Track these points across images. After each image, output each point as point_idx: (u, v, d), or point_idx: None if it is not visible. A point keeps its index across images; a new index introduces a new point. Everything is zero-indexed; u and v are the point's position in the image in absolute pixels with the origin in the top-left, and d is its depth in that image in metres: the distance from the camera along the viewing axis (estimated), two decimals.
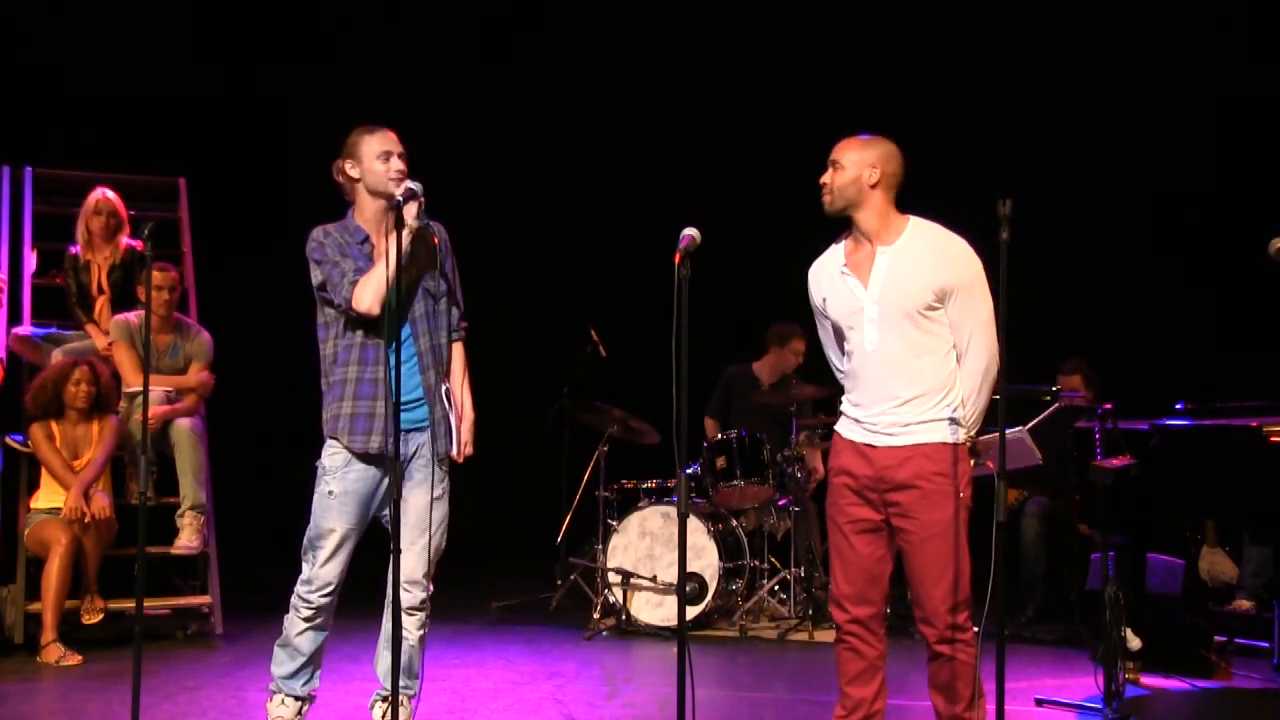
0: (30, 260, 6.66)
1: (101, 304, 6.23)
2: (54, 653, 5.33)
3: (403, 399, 3.82)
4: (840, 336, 3.63)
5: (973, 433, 3.53)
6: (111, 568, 5.78)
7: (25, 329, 6.31)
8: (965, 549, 3.46)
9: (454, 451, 3.98)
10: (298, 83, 8.66)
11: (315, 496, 3.89)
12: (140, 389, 5.18)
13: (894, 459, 3.49)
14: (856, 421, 3.59)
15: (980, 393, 3.51)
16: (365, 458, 3.85)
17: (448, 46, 8.99)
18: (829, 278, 3.64)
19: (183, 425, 5.91)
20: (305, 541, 3.90)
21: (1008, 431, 4.04)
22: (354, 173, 3.89)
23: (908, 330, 3.48)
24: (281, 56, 8.63)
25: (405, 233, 3.71)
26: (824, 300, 3.66)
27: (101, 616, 5.69)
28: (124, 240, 6.32)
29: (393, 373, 3.72)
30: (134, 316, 5.97)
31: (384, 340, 3.78)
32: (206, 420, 6.15)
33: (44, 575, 5.45)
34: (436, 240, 3.93)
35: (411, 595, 3.88)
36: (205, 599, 6.02)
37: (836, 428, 3.68)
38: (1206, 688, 5.01)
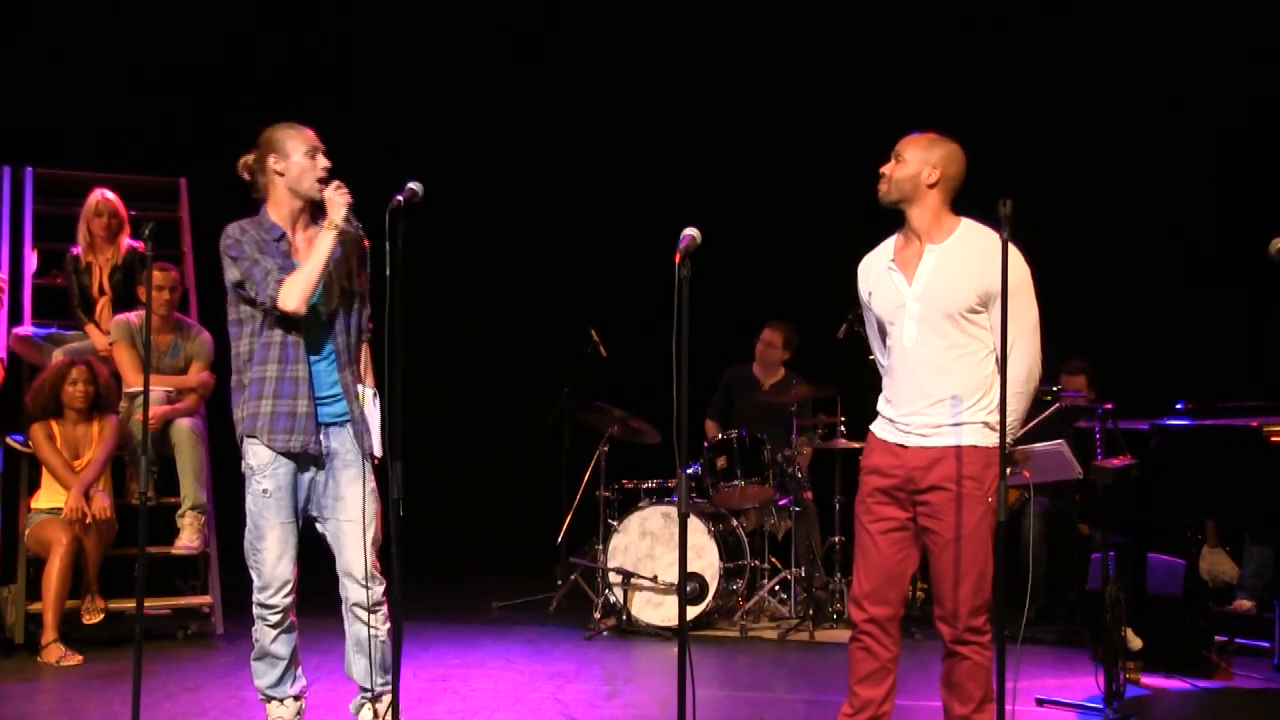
0: (30, 260, 6.65)
1: (103, 305, 6.23)
2: (54, 653, 5.33)
3: (321, 394, 3.87)
4: (883, 333, 3.65)
5: (1010, 439, 3.50)
6: (112, 568, 5.79)
7: (25, 329, 6.31)
8: (991, 552, 3.44)
9: (375, 450, 3.97)
10: (298, 82, 8.66)
11: (249, 498, 3.89)
12: (141, 389, 5.18)
13: (925, 459, 3.49)
14: (890, 421, 3.60)
15: (1018, 400, 3.49)
16: (286, 455, 3.86)
17: (448, 47, 8.99)
18: (876, 272, 3.65)
19: (183, 425, 5.91)
20: (247, 547, 3.90)
21: (1047, 444, 4.07)
22: (278, 167, 3.88)
23: (948, 330, 3.47)
24: (282, 56, 8.62)
25: (333, 233, 3.75)
26: (869, 294, 3.66)
27: (102, 616, 5.70)
28: (125, 241, 6.32)
29: (315, 369, 3.78)
30: (134, 316, 5.96)
31: (307, 338, 3.83)
32: (207, 420, 6.15)
33: (44, 575, 5.45)
34: (367, 244, 3.94)
35: (373, 591, 3.90)
36: (205, 599, 6.02)
37: (871, 427, 3.68)
38: (1207, 688, 5.01)
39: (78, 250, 6.29)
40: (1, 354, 6.07)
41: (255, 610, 3.92)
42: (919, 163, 3.52)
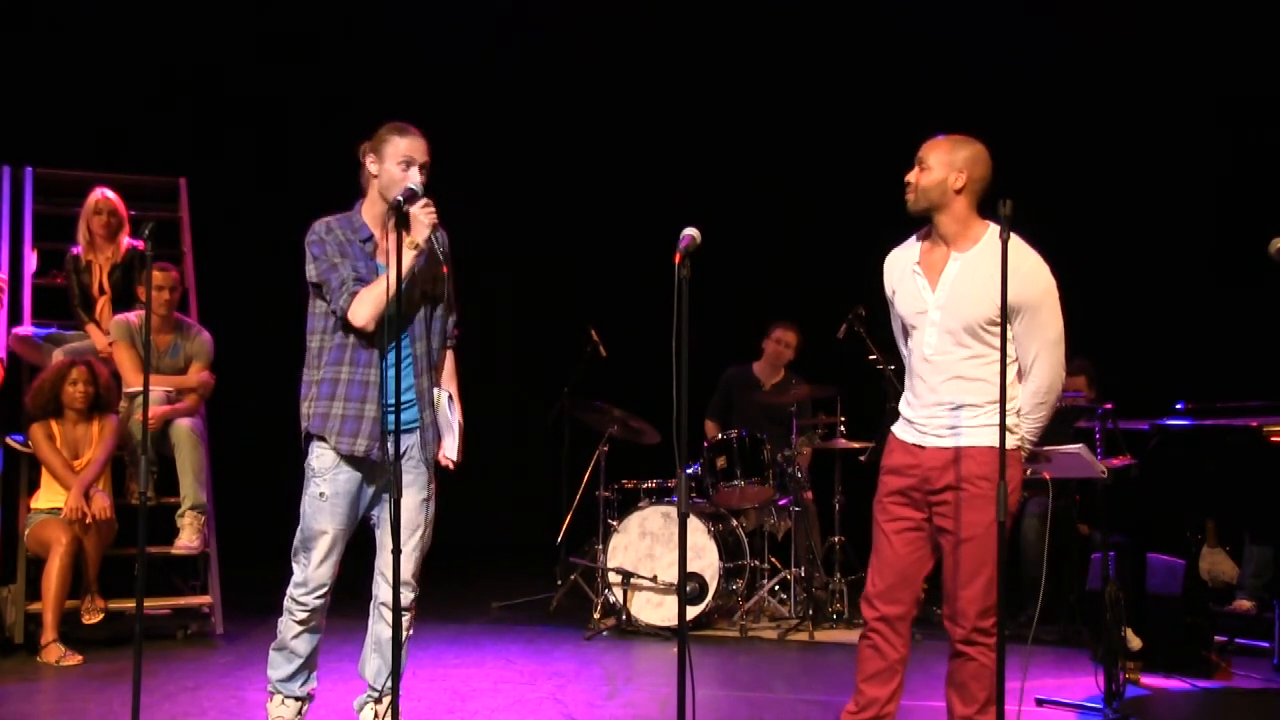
0: (30, 260, 6.65)
1: (103, 304, 6.23)
2: (54, 653, 5.33)
3: (393, 400, 3.81)
4: (905, 332, 3.65)
5: (1026, 444, 3.52)
6: (111, 568, 5.78)
7: (25, 329, 6.31)
8: (998, 553, 3.43)
9: (448, 454, 3.97)
10: (298, 82, 8.66)
11: (305, 498, 3.89)
12: (140, 389, 5.18)
13: (940, 460, 3.50)
14: (909, 422, 3.61)
15: (1039, 410, 3.51)
16: (352, 459, 3.84)
17: (449, 45, 8.99)
18: (901, 271, 3.63)
19: (183, 425, 5.91)
20: (296, 544, 3.91)
21: (1070, 447, 4.10)
22: (373, 169, 3.86)
23: (967, 340, 3.47)
24: (282, 56, 8.62)
25: (413, 253, 3.71)
26: (893, 292, 3.66)
27: (102, 616, 5.69)
28: (125, 240, 6.32)
29: (388, 376, 3.76)
30: (134, 316, 5.97)
31: (379, 344, 3.78)
32: (207, 420, 6.15)
33: (44, 575, 5.45)
34: (446, 270, 3.91)
35: (401, 596, 3.89)
36: (205, 599, 6.02)
37: (892, 428, 3.69)
38: (1207, 688, 5.01)
39: (78, 250, 6.29)
40: (1, 354, 6.07)
41: (286, 602, 3.92)
42: (944, 168, 3.48)
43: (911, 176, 3.54)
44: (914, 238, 3.66)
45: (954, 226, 3.51)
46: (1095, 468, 4.26)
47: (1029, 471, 3.44)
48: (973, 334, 3.46)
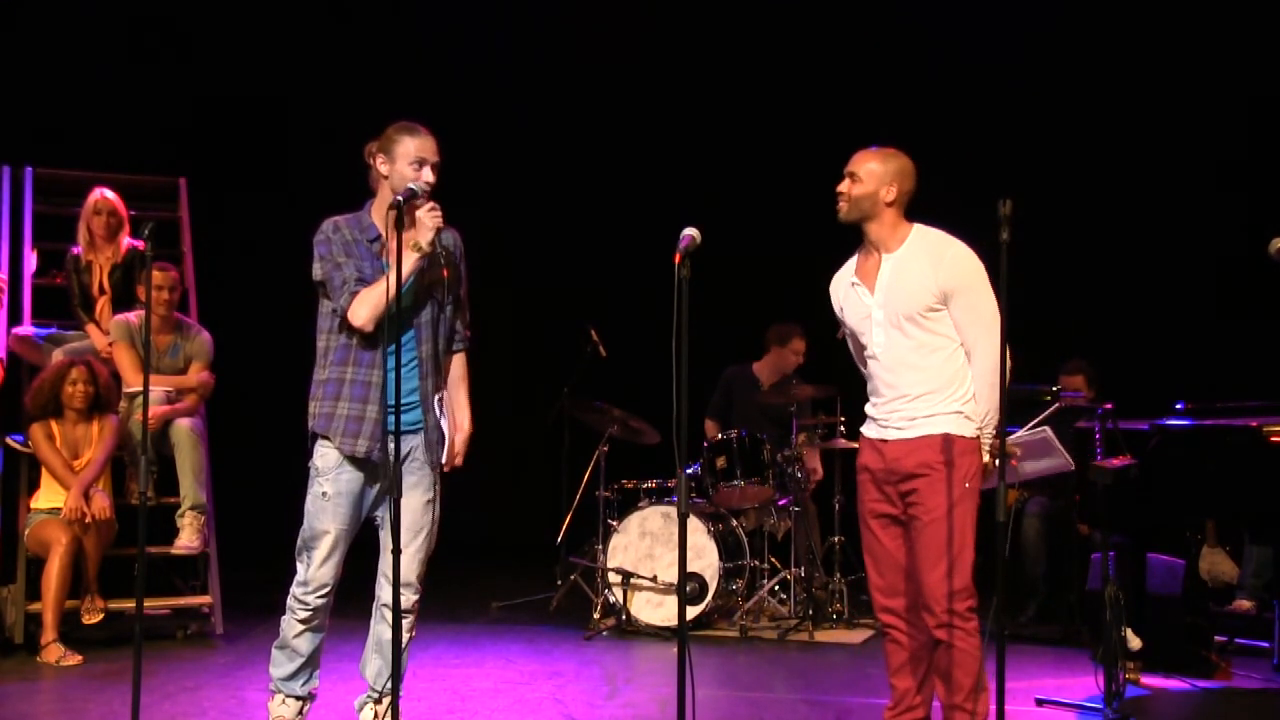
0: (30, 260, 6.65)
1: (103, 304, 6.23)
2: (54, 653, 5.33)
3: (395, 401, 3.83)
4: (859, 345, 3.81)
5: (988, 429, 3.61)
6: (111, 568, 5.78)
7: (25, 329, 6.31)
8: (969, 539, 3.56)
9: (443, 459, 3.97)
10: (298, 82, 8.65)
11: (308, 498, 3.90)
12: (140, 389, 5.18)
13: (902, 451, 3.64)
14: (873, 420, 3.77)
15: (991, 390, 3.59)
16: (354, 460, 3.85)
17: (448, 45, 8.99)
18: (843, 289, 3.83)
19: (183, 425, 5.91)
20: (299, 543, 3.92)
21: (1034, 432, 4.22)
22: (383, 169, 3.86)
23: (912, 331, 3.63)
24: (282, 55, 8.62)
25: (416, 255, 3.71)
26: (841, 310, 3.85)
27: (101, 616, 5.69)
28: (125, 240, 6.32)
29: (390, 376, 3.75)
30: (134, 316, 5.97)
31: (380, 345, 3.78)
32: (206, 420, 6.15)
33: (44, 575, 5.45)
34: (447, 274, 3.90)
35: (404, 598, 3.89)
36: (205, 599, 6.02)
37: (861, 429, 3.84)
38: (1206, 688, 5.01)
39: (78, 250, 6.29)
40: (1, 354, 6.07)
41: (289, 601, 3.93)
42: (876, 181, 3.66)
43: (843, 188, 3.71)
44: (849, 260, 3.84)
45: (884, 233, 3.69)
46: (1064, 456, 4.28)
47: (995, 462, 3.50)
48: (914, 323, 3.62)
